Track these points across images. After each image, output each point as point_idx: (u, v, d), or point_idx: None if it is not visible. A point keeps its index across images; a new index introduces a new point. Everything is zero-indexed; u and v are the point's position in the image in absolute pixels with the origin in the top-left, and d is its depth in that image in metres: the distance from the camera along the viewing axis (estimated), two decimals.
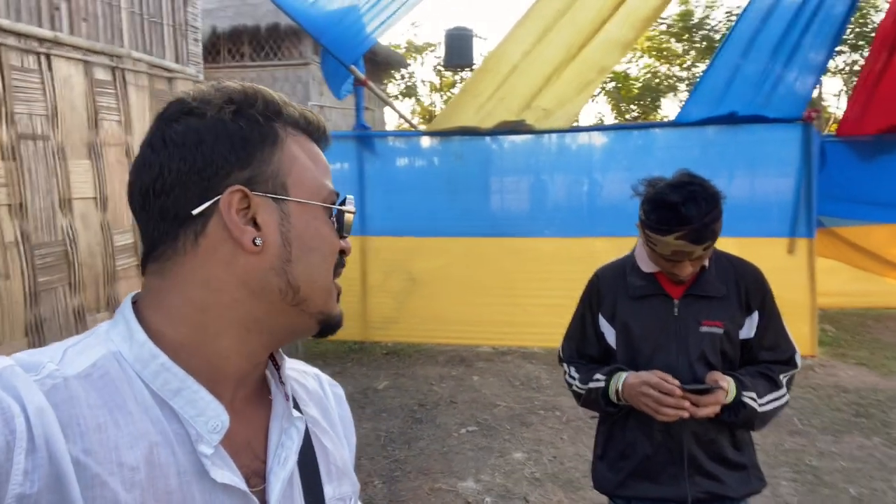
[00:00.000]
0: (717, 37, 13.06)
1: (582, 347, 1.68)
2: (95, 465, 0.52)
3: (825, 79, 13.10)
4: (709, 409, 1.41)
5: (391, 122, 13.91)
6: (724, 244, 5.17)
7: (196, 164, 0.59)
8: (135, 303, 0.62)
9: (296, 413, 0.66)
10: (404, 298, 5.40)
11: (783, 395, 1.52)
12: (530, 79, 4.83)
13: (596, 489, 1.68)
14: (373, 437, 3.95)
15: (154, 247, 0.61)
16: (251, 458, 0.62)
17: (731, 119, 4.75)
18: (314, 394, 0.75)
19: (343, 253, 0.67)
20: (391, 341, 5.75)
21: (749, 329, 1.55)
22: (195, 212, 0.59)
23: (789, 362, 1.56)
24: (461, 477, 3.41)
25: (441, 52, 14.26)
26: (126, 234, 3.38)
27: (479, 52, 14.77)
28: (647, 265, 1.59)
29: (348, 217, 0.67)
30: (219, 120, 0.60)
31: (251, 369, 0.64)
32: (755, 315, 1.55)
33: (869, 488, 3.20)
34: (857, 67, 12.22)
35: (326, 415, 0.75)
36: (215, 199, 0.59)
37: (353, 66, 5.24)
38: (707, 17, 13.24)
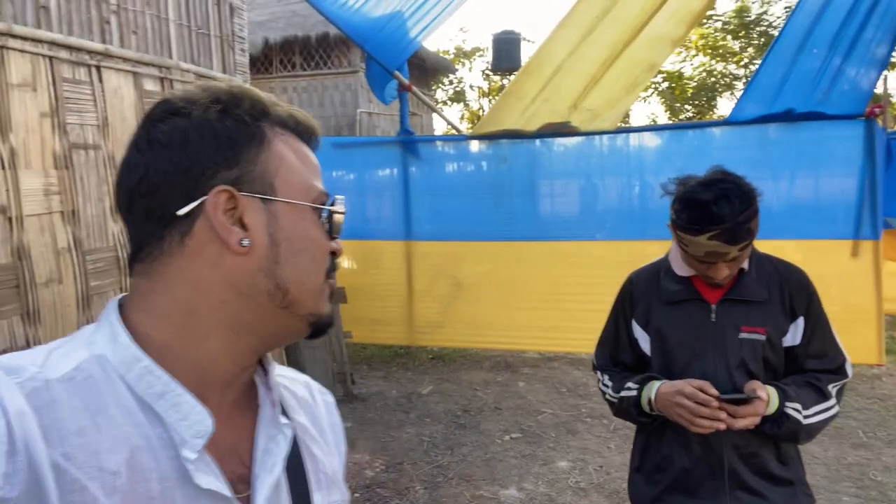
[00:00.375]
0: (776, 33, 12.59)
1: (615, 354, 1.61)
2: (75, 470, 0.51)
3: (891, 73, 12.47)
4: (747, 421, 1.32)
5: (439, 127, 13.95)
6: (786, 246, 4.95)
7: (182, 164, 0.58)
8: (122, 305, 0.61)
9: (283, 419, 0.64)
10: (450, 303, 5.38)
11: (832, 407, 1.42)
12: (575, 79, 4.75)
13: (632, 503, 1.61)
14: (416, 441, 3.93)
15: (140, 248, 0.61)
16: (237, 463, 0.61)
17: (787, 116, 4.56)
18: (303, 401, 0.74)
19: (334, 254, 0.66)
20: (437, 346, 5.73)
21: (794, 336, 1.45)
22: (181, 212, 0.58)
23: (839, 371, 1.45)
24: (504, 485, 3.35)
25: (489, 56, 14.23)
26: None
27: (527, 55, 14.67)
28: (681, 268, 1.51)
29: (338, 218, 0.66)
30: (205, 120, 0.60)
31: (239, 372, 0.63)
32: (800, 321, 1.45)
33: None
34: None
35: (316, 423, 0.73)
36: (201, 199, 0.58)
37: (397, 72, 5.26)
38: (765, 12, 12.80)
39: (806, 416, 1.37)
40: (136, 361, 0.57)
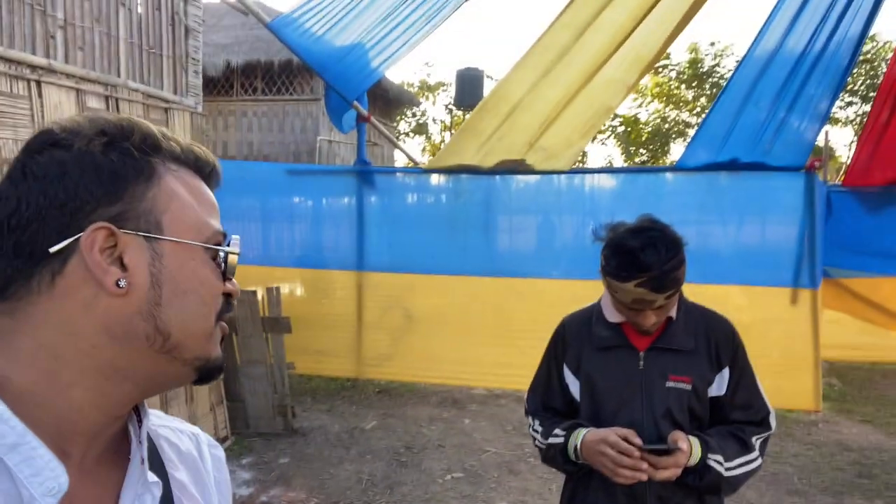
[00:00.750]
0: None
1: (547, 399, 1.60)
2: None
3: (836, 129, 13.09)
4: (668, 472, 1.31)
5: (400, 158, 14.01)
6: (731, 291, 5.06)
7: (57, 197, 0.55)
8: None
9: (151, 477, 0.60)
10: (400, 335, 5.30)
11: (755, 459, 1.42)
12: (531, 118, 4.81)
13: None
14: (354, 479, 3.82)
15: (7, 285, 0.56)
16: None
17: (733, 165, 4.69)
18: (187, 455, 0.69)
19: (229, 296, 0.63)
20: (384, 379, 5.63)
21: (720, 386, 1.46)
22: (53, 249, 0.54)
23: (763, 423, 1.46)
24: None
25: (452, 91, 14.43)
26: None
27: (489, 91, 14.94)
28: (612, 314, 1.51)
29: (233, 259, 0.63)
30: (86, 152, 0.56)
31: (108, 423, 0.58)
32: (726, 371, 1.46)
33: None
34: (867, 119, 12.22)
35: (198, 480, 0.69)
36: (76, 236, 0.54)
37: (356, 102, 5.26)
38: (717, 64, 13.34)
39: (728, 469, 1.37)
40: None
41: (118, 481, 0.59)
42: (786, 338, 4.53)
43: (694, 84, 13.52)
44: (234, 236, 0.64)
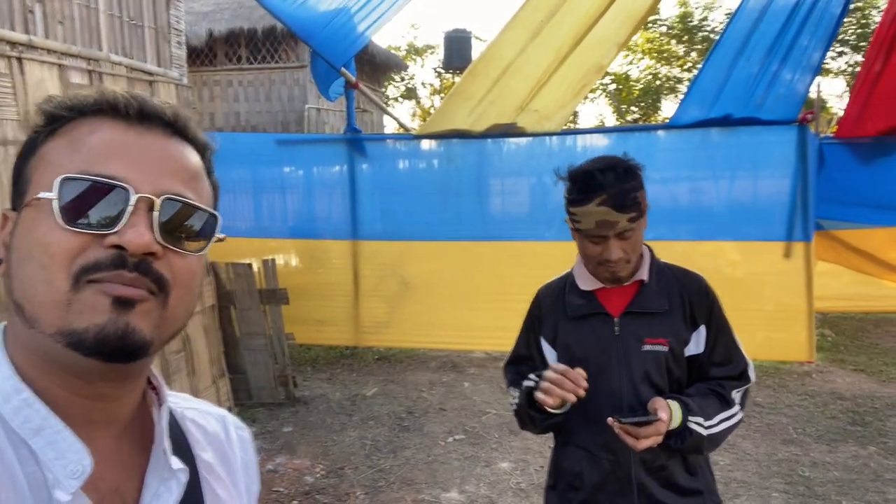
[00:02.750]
0: (717, 38, 12.99)
1: (526, 372, 1.58)
2: None
3: (828, 80, 13.00)
4: (650, 441, 1.31)
5: (390, 124, 13.87)
6: (724, 247, 5.11)
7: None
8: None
9: (176, 464, 0.59)
10: (397, 303, 5.33)
11: (735, 414, 1.43)
12: (522, 81, 4.76)
13: None
14: (358, 445, 3.88)
15: None
16: None
17: (725, 121, 4.67)
18: (213, 437, 0.70)
19: (119, 248, 0.52)
20: (383, 346, 5.68)
21: (697, 345, 1.45)
22: None
23: (741, 377, 1.47)
24: (445, 488, 3.34)
25: (441, 54, 14.22)
26: None
27: (478, 53, 14.71)
28: (585, 282, 1.50)
29: (73, 194, 0.52)
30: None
31: (96, 407, 0.57)
32: (702, 329, 1.45)
33: (863, 501, 3.12)
34: (859, 68, 12.12)
35: (225, 460, 0.69)
36: None
37: (343, 69, 5.18)
38: (706, 18, 13.16)
39: (708, 427, 1.38)
40: (16, 394, 0.53)
41: (143, 466, 0.60)
42: (779, 291, 4.58)
43: (685, 39, 13.36)
44: (73, 174, 0.53)
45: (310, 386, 5.00)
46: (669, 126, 4.92)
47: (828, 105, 12.98)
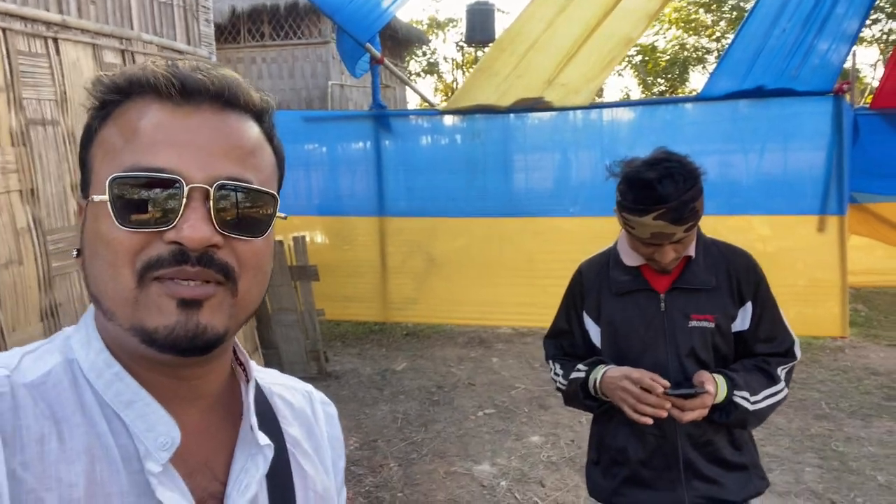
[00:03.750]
0: (748, 6, 12.63)
1: (567, 346, 1.59)
2: (32, 480, 0.49)
3: (861, 48, 12.62)
4: (695, 414, 1.32)
5: (412, 99, 13.80)
6: (754, 221, 5.04)
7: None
8: None
9: (263, 440, 0.60)
10: (424, 279, 5.37)
11: (781, 391, 1.43)
12: (549, 55, 4.70)
13: (591, 496, 1.60)
14: (390, 419, 3.94)
15: None
16: (209, 479, 0.58)
17: (758, 93, 4.58)
18: (300, 412, 0.70)
19: (176, 245, 0.50)
20: (411, 322, 5.73)
21: (743, 321, 1.45)
22: None
23: (787, 354, 1.46)
24: (477, 460, 3.39)
25: (463, 27, 14.05)
26: None
27: (502, 26, 14.52)
28: (630, 258, 1.49)
29: (131, 195, 0.51)
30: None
31: (181, 386, 0.57)
32: (748, 306, 1.45)
33: None
34: (894, 37, 11.72)
35: (311, 435, 0.70)
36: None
37: (368, 44, 5.15)
38: None
39: (754, 402, 1.38)
40: (107, 368, 0.55)
41: (232, 440, 0.60)
42: (813, 266, 4.52)
43: (713, 8, 13.03)
44: (140, 170, 0.51)
45: (340, 361, 5.07)
46: (701, 98, 4.83)
47: (861, 75, 12.61)
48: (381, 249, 5.44)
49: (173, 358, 0.53)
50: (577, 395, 1.49)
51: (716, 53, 13.72)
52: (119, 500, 0.52)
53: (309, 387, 0.74)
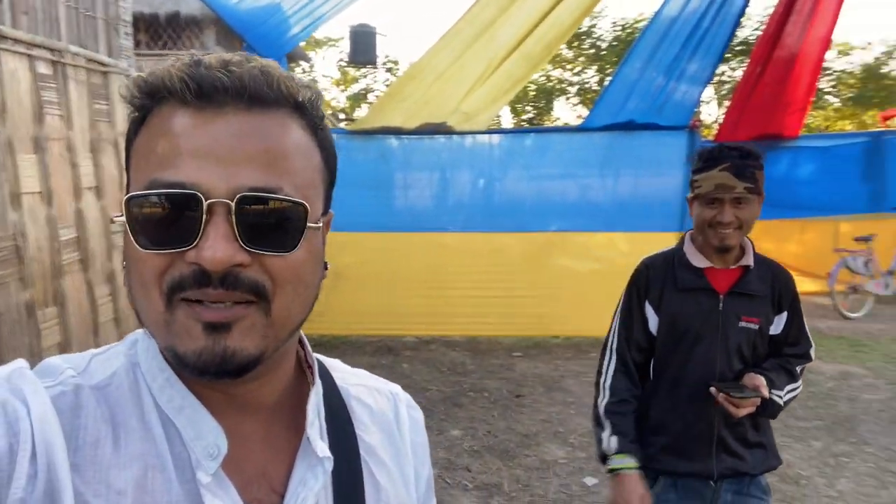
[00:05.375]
0: (604, 45, 14.06)
1: (630, 335, 1.77)
2: (81, 484, 0.48)
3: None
4: (747, 410, 1.58)
5: None
6: (620, 238, 5.74)
7: None
8: None
9: (322, 452, 0.57)
10: (328, 293, 5.49)
11: (799, 386, 1.72)
12: (456, 86, 5.19)
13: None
14: None
15: None
16: (265, 490, 0.56)
17: (629, 126, 5.35)
18: (380, 416, 0.66)
19: (198, 265, 0.48)
20: (317, 334, 5.89)
21: (777, 326, 1.71)
22: None
23: (805, 356, 1.75)
24: None
25: (344, 47, 14.32)
26: (69, 229, 3.36)
27: (382, 49, 14.96)
28: (697, 259, 1.70)
29: (143, 211, 0.49)
30: None
31: (233, 397, 0.56)
32: (784, 315, 1.71)
33: None
34: (724, 78, 13.57)
35: (392, 442, 0.66)
36: None
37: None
38: (594, 26, 14.19)
39: (782, 398, 1.70)
40: (160, 372, 0.54)
41: (293, 450, 0.58)
42: None
43: (573, 44, 14.32)
44: (163, 176, 0.48)
45: None
46: (582, 129, 5.54)
47: (698, 110, 14.44)
48: None
49: (209, 380, 0.51)
50: (597, 447, 1.71)
51: (577, 86, 15.06)
52: None
53: (396, 388, 0.71)
